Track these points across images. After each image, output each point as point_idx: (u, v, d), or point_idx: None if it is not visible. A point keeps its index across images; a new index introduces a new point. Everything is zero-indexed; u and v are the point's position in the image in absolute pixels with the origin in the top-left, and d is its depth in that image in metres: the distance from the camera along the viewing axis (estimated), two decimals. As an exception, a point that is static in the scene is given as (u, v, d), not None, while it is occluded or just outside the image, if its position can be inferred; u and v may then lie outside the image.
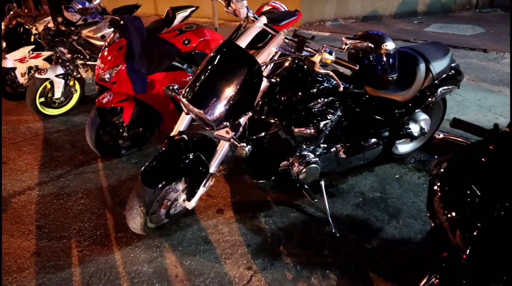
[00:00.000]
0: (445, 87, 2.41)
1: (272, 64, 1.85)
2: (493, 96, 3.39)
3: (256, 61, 1.69)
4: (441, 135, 2.84)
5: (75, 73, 3.63)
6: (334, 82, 1.92)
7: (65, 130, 3.62)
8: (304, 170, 2.06)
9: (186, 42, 2.73)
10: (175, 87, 1.94)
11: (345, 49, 1.71)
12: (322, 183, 2.28)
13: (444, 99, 2.65)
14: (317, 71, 1.79)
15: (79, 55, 3.59)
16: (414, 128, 2.51)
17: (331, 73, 1.79)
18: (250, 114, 1.82)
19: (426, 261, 1.91)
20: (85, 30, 3.54)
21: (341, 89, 1.82)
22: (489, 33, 4.76)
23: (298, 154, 2.10)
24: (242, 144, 1.78)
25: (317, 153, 2.19)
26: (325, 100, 1.94)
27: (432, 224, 1.12)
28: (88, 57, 3.58)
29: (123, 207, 2.33)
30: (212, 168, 1.93)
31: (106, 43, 2.72)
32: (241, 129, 1.83)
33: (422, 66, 2.28)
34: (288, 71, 1.87)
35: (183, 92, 1.74)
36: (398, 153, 2.76)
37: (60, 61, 3.58)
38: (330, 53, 1.71)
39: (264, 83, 1.79)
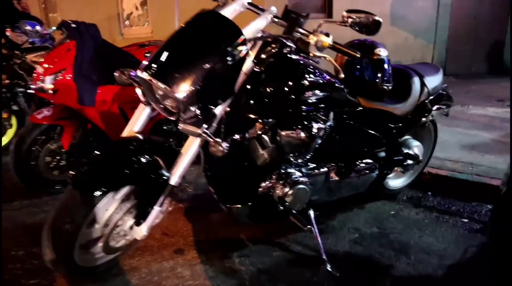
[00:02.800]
0: (440, 105, 2.19)
1: (257, 48, 1.51)
2: (471, 137, 3.28)
3: (240, 31, 1.35)
4: (433, 171, 2.63)
5: (14, 105, 3.09)
6: (326, 76, 1.61)
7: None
8: (291, 191, 1.62)
9: (148, 55, 2.37)
10: (131, 72, 1.52)
11: (349, 24, 1.42)
12: (311, 213, 1.82)
13: (435, 125, 2.42)
14: (312, 55, 1.48)
15: (19, 81, 3.10)
16: (410, 152, 2.21)
17: (328, 58, 1.49)
18: (228, 102, 1.42)
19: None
20: (31, 55, 3.10)
21: (342, 76, 1.49)
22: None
23: (282, 172, 1.67)
24: (217, 139, 1.35)
25: (306, 172, 1.77)
26: (320, 95, 1.59)
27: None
28: (31, 84, 3.08)
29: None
30: (173, 179, 1.42)
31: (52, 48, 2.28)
32: (215, 123, 1.41)
33: (417, 80, 2.07)
34: (275, 58, 1.53)
35: (144, 66, 1.33)
36: (389, 188, 2.41)
37: (-5, 88, 3.05)
38: (327, 35, 1.41)
39: (249, 64, 1.42)
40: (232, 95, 1.41)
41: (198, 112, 1.33)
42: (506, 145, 3.04)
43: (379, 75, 1.92)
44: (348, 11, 1.43)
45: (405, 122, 2.07)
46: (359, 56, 1.46)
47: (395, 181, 2.44)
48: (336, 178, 1.88)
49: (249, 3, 1.59)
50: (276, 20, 1.52)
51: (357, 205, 2.30)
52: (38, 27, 3.14)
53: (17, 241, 1.89)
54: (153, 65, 1.32)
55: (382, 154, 2.05)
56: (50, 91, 2.12)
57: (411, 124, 2.11)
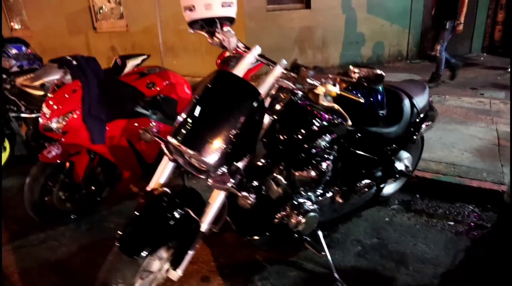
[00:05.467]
0: (427, 123, 2.39)
1: (269, 100, 1.64)
2: (450, 133, 3.53)
3: (259, 92, 1.47)
4: (419, 174, 2.87)
5: (6, 129, 3.06)
6: (332, 120, 1.76)
7: (-10, 196, 2.95)
8: (304, 220, 1.80)
9: (150, 85, 2.43)
10: (154, 130, 1.62)
11: (357, 79, 1.56)
12: (320, 233, 2.02)
13: (422, 137, 2.64)
14: (321, 105, 1.62)
15: (11, 107, 3.06)
16: (400, 167, 2.42)
17: (336, 107, 1.63)
18: (248, 157, 1.55)
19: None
20: (20, 78, 3.06)
21: (350, 123, 1.65)
22: (425, 80, 5.16)
23: (294, 203, 1.84)
24: (243, 193, 1.49)
25: (314, 199, 1.95)
26: (328, 138, 1.75)
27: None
28: (23, 109, 3.06)
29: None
30: (204, 226, 1.57)
31: (54, 87, 2.30)
32: (239, 175, 1.54)
33: (407, 102, 2.25)
34: (286, 107, 1.66)
35: (172, 132, 1.43)
36: (382, 195, 2.63)
37: (-13, 114, 3.02)
38: (334, 85, 1.55)
39: (267, 119, 1.55)
40: (254, 150, 1.54)
41: (225, 170, 1.46)
42: (482, 140, 3.33)
43: (375, 103, 2.08)
44: (354, 66, 1.57)
45: (398, 142, 2.26)
46: (363, 102, 1.61)
47: (387, 188, 2.66)
48: (340, 200, 2.07)
49: (259, 55, 1.68)
50: (285, 72, 1.64)
51: (355, 214, 2.51)
52: (24, 49, 3.08)
53: (49, 282, 1.98)
54: (181, 130, 1.42)
55: (379, 173, 2.25)
56: (59, 131, 2.17)
57: (404, 143, 2.31)
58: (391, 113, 2.20)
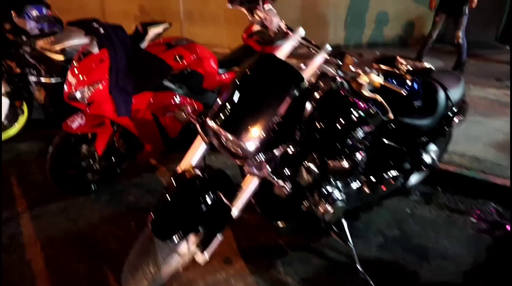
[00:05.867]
0: (460, 117, 2.32)
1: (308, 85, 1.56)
2: (475, 126, 3.45)
3: (303, 79, 1.40)
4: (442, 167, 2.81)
5: (24, 92, 3.01)
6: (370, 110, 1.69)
7: (10, 161, 2.94)
8: (331, 209, 1.77)
9: (178, 58, 2.34)
10: (188, 109, 1.56)
11: (404, 71, 1.49)
12: (345, 223, 2.00)
13: (450, 134, 2.56)
14: (363, 95, 1.55)
15: (31, 71, 3.00)
16: (427, 159, 2.36)
17: (379, 98, 1.56)
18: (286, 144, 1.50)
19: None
20: (41, 41, 2.97)
21: (391, 116, 1.58)
22: (448, 66, 5.01)
23: (323, 191, 1.81)
24: (280, 181, 1.45)
25: (342, 188, 1.91)
26: (366, 129, 1.69)
27: None
28: (43, 73, 2.99)
29: (101, 261, 1.84)
30: (235, 211, 1.55)
31: (80, 54, 2.21)
32: (274, 162, 1.50)
33: (442, 94, 2.17)
34: (326, 95, 1.59)
35: (210, 114, 1.38)
36: (406, 186, 2.59)
37: (6, 76, 2.95)
38: (378, 75, 1.48)
39: (309, 107, 1.49)
40: (293, 138, 1.49)
41: (263, 157, 1.42)
42: (507, 135, 3.24)
43: (411, 92, 2.00)
44: (401, 57, 1.49)
45: (430, 135, 2.20)
46: (405, 94, 1.54)
47: (412, 179, 2.63)
48: (367, 190, 2.03)
49: (303, 38, 1.60)
50: (328, 58, 1.56)
51: (377, 203, 2.49)
52: (44, 11, 2.97)
53: (74, 255, 2.00)
54: (221, 114, 1.37)
55: (407, 165, 2.20)
56: (85, 102, 2.11)
57: (435, 136, 2.25)
58: (425, 104, 2.13)
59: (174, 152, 2.56)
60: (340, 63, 1.54)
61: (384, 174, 2.10)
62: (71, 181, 2.38)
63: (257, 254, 2.02)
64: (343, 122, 1.58)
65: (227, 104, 1.37)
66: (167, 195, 1.45)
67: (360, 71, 1.51)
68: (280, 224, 1.84)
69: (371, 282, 1.83)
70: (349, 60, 1.53)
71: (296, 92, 1.38)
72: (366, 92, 1.53)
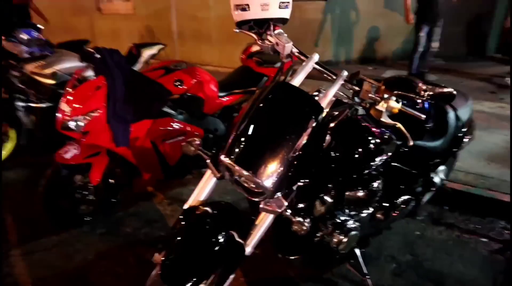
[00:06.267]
0: (469, 136, 2.27)
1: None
2: (475, 141, 3.39)
3: (322, 108, 1.32)
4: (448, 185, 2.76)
5: (12, 118, 2.87)
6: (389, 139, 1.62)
7: (-4, 191, 2.77)
8: (345, 239, 1.67)
9: (177, 83, 2.24)
10: (197, 142, 1.46)
11: (426, 97, 1.42)
12: (358, 251, 1.91)
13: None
14: (382, 122, 1.47)
15: (20, 96, 2.86)
16: (436, 180, 2.31)
17: (399, 125, 1.49)
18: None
19: None
20: (30, 65, 2.84)
21: (411, 143, 1.51)
22: (443, 80, 5.04)
23: (337, 221, 1.71)
24: (298, 218, 1.36)
25: (355, 216, 1.83)
26: (384, 157, 1.61)
27: None
28: (33, 98, 2.85)
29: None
30: (248, 250, 1.44)
31: (75, 81, 2.10)
32: (291, 198, 1.41)
33: (452, 115, 2.12)
34: (342, 124, 1.51)
35: (224, 148, 1.28)
36: (418, 209, 2.53)
37: (-7, 102, 2.81)
38: (397, 101, 1.41)
39: (327, 138, 1.41)
40: (312, 172, 1.40)
41: (280, 194, 1.32)
42: (507, 150, 3.23)
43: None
44: (423, 83, 1.43)
45: (441, 157, 2.15)
46: (424, 118, 1.48)
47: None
48: (381, 217, 1.95)
49: (317, 63, 1.52)
50: (346, 84, 1.49)
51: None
52: (35, 34, 2.85)
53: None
54: (235, 148, 1.28)
55: (419, 188, 2.13)
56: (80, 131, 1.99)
57: (446, 157, 2.19)
58: (436, 125, 2.08)
59: (173, 179, 2.45)
60: (357, 88, 1.47)
61: (397, 199, 2.03)
62: (64, 213, 2.23)
63: (268, 288, 1.91)
64: (363, 152, 1.50)
65: (241, 137, 1.28)
66: (177, 235, 1.34)
67: (379, 98, 1.44)
68: (291, 256, 1.74)
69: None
70: (367, 87, 1.46)
71: (315, 124, 1.29)
72: (386, 119, 1.46)
